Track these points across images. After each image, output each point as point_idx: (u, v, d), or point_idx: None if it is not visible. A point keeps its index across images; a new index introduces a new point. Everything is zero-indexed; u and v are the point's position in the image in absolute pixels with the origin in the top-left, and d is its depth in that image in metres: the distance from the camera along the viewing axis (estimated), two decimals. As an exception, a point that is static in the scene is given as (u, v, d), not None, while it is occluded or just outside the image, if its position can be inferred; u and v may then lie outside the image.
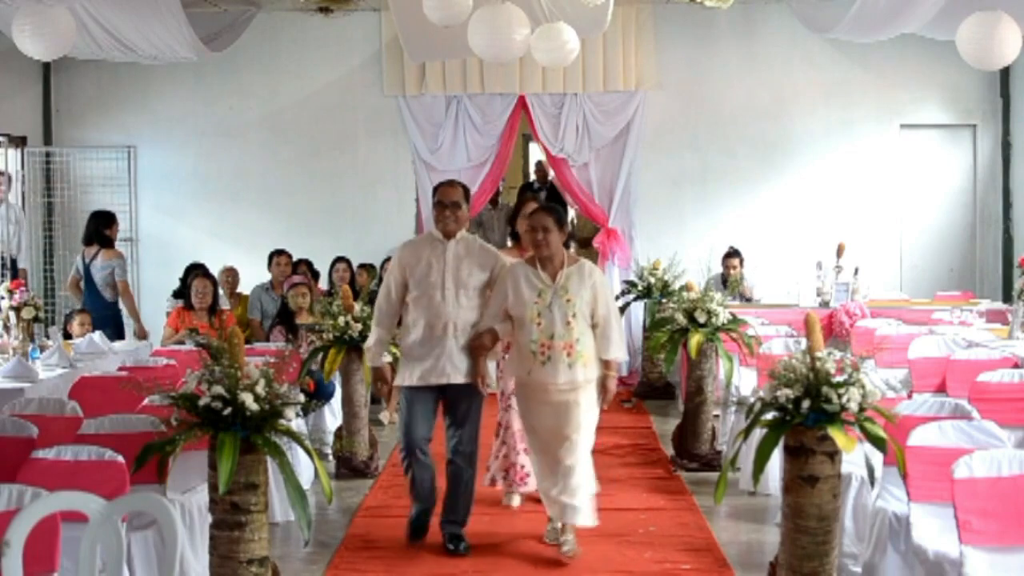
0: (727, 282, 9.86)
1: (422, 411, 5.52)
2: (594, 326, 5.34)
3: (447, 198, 5.58)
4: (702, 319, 7.21)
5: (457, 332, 5.44)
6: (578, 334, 5.26)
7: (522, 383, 5.44)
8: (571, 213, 11.89)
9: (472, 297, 5.49)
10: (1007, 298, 10.25)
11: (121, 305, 9.32)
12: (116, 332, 8.99)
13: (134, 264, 10.92)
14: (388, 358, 5.84)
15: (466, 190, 5.72)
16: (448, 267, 5.49)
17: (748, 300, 10.07)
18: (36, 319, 7.48)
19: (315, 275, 9.97)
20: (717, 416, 7.70)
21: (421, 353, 5.47)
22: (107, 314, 9.12)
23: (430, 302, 5.46)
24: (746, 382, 7.42)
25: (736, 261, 10.16)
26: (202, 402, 4.21)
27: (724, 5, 7.95)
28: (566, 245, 5.45)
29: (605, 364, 5.38)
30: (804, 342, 4.51)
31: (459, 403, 5.53)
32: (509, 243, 6.57)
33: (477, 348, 5.45)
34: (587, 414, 5.34)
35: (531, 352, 5.27)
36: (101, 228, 9.26)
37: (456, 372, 5.45)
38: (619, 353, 5.39)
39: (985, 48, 7.08)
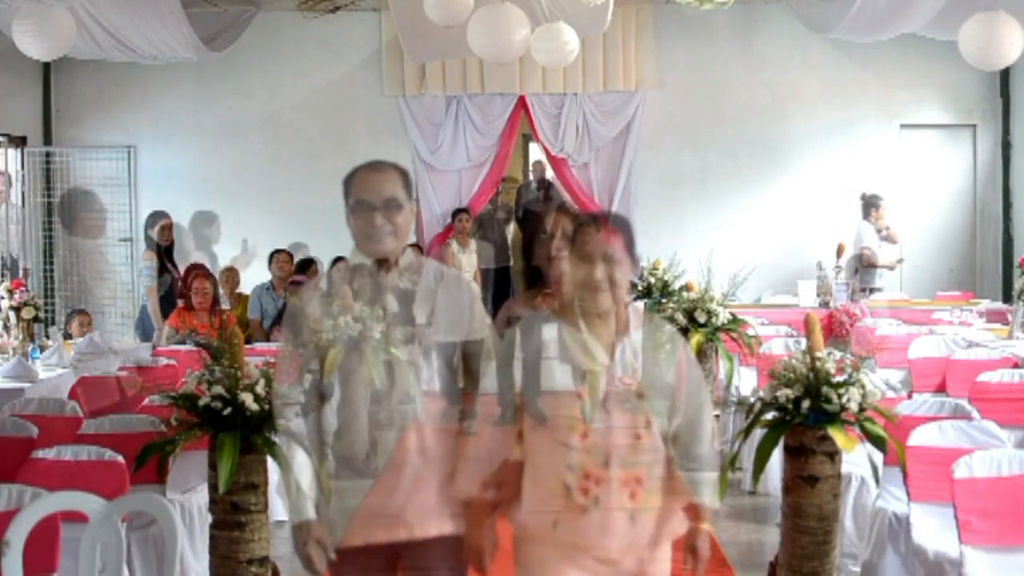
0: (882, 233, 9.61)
1: None
2: (670, 438, 2.89)
3: (375, 194, 3.01)
4: (702, 319, 7.21)
5: (425, 443, 2.94)
6: (651, 459, 2.82)
7: (537, 540, 2.84)
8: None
9: (438, 371, 2.97)
10: (1007, 298, 10.24)
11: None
12: (145, 335, 8.91)
13: (133, 264, 10.90)
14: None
15: (404, 174, 3.12)
16: (394, 320, 2.97)
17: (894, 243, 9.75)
18: (36, 319, 7.48)
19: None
20: (717, 416, 7.69)
21: (358, 486, 3.06)
22: (140, 315, 9.09)
23: (369, 392, 3.05)
24: (746, 382, 7.42)
25: (884, 205, 9.75)
26: (202, 402, 4.20)
27: (715, 6, 7.93)
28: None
29: (691, 511, 2.93)
30: (804, 342, 4.51)
31: (429, 573, 2.98)
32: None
33: (480, 508, 2.87)
34: None
35: (563, 487, 2.76)
36: (145, 227, 9.30)
37: (425, 518, 2.92)
38: (713, 494, 2.94)
39: (987, 48, 7.10)
